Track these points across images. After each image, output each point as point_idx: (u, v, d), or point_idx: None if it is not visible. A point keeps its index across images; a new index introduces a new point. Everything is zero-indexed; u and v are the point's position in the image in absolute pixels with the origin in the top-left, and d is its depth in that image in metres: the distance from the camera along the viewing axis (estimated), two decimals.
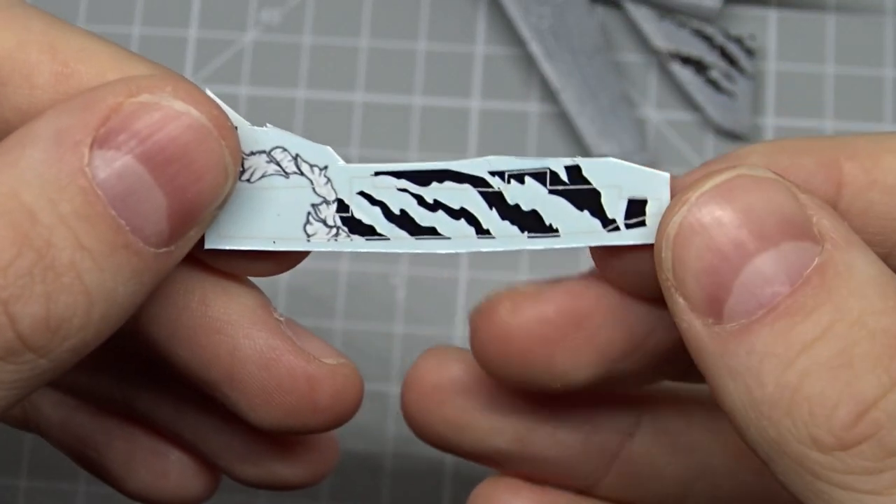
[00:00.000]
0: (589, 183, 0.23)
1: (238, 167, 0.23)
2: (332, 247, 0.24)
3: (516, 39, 0.45)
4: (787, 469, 0.21)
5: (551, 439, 0.27)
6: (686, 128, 0.45)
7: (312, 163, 0.24)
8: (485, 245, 0.24)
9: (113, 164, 0.21)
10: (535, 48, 0.44)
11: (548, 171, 0.24)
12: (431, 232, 0.24)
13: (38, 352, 0.21)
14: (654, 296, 0.24)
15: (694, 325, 0.22)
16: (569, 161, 0.23)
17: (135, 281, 0.22)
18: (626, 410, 0.28)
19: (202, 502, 0.30)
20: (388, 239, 0.24)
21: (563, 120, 0.45)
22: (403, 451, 0.42)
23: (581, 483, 0.28)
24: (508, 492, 0.28)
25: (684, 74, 0.45)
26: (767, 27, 0.46)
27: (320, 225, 0.24)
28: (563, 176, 0.23)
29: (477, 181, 0.24)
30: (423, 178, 0.24)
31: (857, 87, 0.45)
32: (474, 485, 0.29)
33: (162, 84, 0.22)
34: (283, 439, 0.29)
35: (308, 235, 0.24)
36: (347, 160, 0.24)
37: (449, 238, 0.24)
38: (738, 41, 0.45)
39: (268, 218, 0.24)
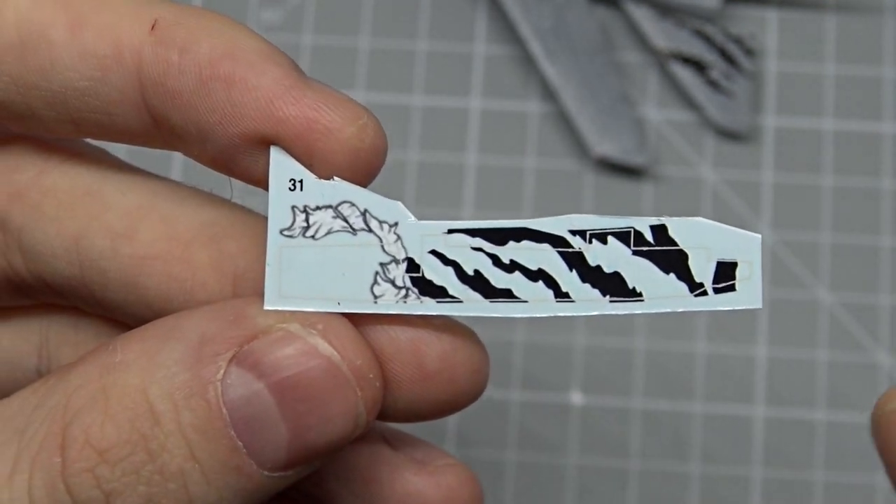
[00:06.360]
0: (675, 244, 0.22)
1: (374, 418, 0.22)
2: (400, 309, 0.22)
3: (516, 39, 0.45)
4: None
5: None
6: (686, 127, 0.45)
7: (382, 219, 0.23)
8: (563, 309, 0.22)
9: (245, 388, 0.21)
10: (535, 48, 0.44)
11: (632, 231, 0.22)
12: (507, 295, 0.22)
13: None
14: None
15: None
16: (655, 220, 0.22)
17: (240, 499, 0.21)
18: None
19: None
20: (461, 301, 0.22)
21: (563, 120, 0.45)
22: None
23: None
24: None
25: (684, 74, 0.45)
26: (767, 27, 0.46)
27: (388, 286, 0.22)
28: (649, 236, 0.22)
29: (556, 241, 0.22)
30: (499, 236, 0.22)
31: (857, 86, 0.45)
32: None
33: (314, 320, 0.22)
34: None
35: (375, 297, 0.22)
36: None
37: (526, 301, 0.22)
38: (738, 41, 0.45)
39: (332, 278, 0.22)
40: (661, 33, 0.45)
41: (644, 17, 0.45)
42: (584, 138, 0.44)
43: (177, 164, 0.45)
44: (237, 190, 0.25)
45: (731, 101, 0.44)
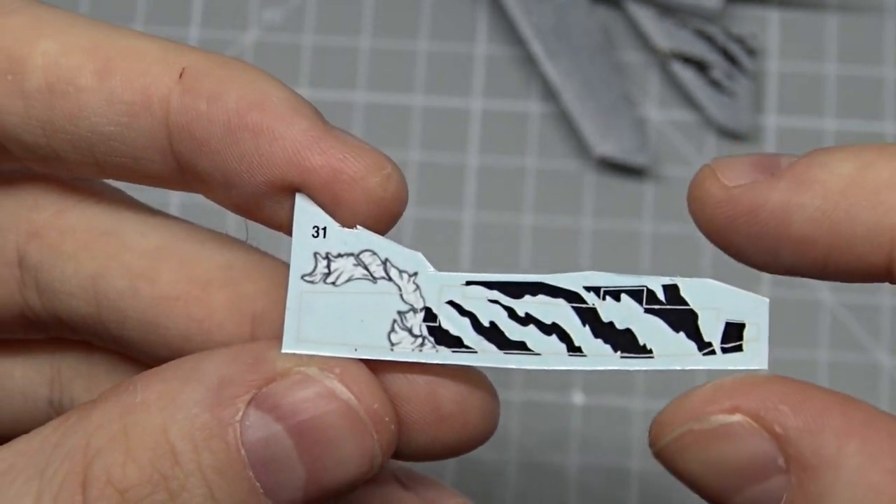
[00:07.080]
0: (686, 303, 0.23)
1: (388, 458, 0.23)
2: (416, 357, 0.23)
3: (517, 39, 0.45)
4: None
5: None
6: (687, 127, 0.45)
7: (402, 268, 0.23)
8: (575, 363, 0.23)
9: (263, 430, 0.22)
10: (536, 48, 0.44)
11: (644, 290, 0.23)
12: (521, 347, 0.23)
13: None
14: None
15: None
16: (667, 280, 0.23)
17: None
18: None
19: None
20: (476, 352, 0.23)
21: (564, 120, 0.45)
22: None
23: None
24: None
25: (685, 74, 0.44)
26: (768, 27, 0.46)
27: (405, 334, 0.23)
28: (661, 295, 0.23)
29: (571, 296, 0.23)
30: (516, 290, 0.23)
31: (858, 86, 0.45)
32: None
33: (331, 365, 0.22)
34: None
35: (392, 344, 0.23)
36: None
37: (539, 354, 0.23)
38: (740, 41, 0.45)
39: (351, 324, 0.23)
40: (662, 33, 0.45)
41: (645, 17, 0.45)
42: (585, 138, 0.44)
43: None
44: (252, 232, 0.25)
45: (733, 100, 0.44)
